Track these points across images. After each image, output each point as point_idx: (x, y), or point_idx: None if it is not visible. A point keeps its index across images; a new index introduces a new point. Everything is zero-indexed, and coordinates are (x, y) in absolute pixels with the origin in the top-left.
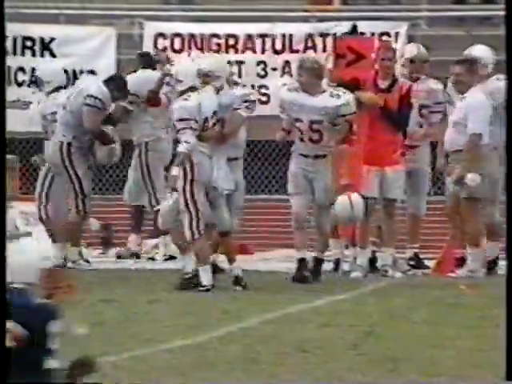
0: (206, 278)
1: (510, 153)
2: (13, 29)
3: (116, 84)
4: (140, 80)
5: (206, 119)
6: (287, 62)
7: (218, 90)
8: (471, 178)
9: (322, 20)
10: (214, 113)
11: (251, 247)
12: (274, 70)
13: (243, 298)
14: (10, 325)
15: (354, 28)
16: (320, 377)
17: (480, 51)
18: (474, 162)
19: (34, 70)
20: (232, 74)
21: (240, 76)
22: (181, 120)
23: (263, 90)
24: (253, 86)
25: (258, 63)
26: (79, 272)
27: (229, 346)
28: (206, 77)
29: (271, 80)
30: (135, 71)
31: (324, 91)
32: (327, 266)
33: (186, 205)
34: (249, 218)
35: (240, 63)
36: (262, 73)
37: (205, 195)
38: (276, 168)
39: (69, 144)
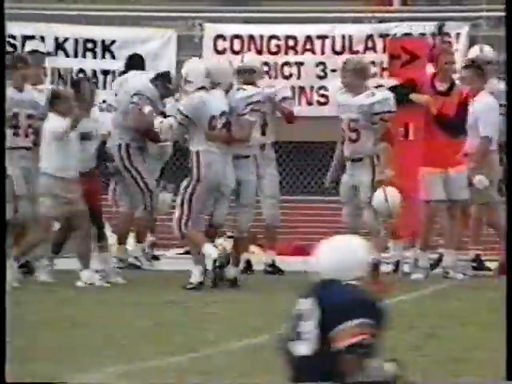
0: (196, 275)
1: (510, 153)
2: (74, 31)
3: (163, 81)
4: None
5: (214, 118)
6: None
7: (226, 92)
8: (479, 180)
9: (382, 21)
10: (223, 113)
11: (307, 248)
12: (334, 71)
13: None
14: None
15: (440, 28)
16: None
17: (489, 52)
18: (482, 165)
19: (94, 72)
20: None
21: (299, 77)
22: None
23: (322, 92)
24: (312, 87)
25: (318, 64)
26: (141, 271)
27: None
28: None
29: (330, 81)
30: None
31: (365, 90)
32: (387, 268)
33: (182, 203)
34: (308, 219)
35: (299, 64)
36: (322, 74)
37: (210, 195)
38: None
39: (127, 145)
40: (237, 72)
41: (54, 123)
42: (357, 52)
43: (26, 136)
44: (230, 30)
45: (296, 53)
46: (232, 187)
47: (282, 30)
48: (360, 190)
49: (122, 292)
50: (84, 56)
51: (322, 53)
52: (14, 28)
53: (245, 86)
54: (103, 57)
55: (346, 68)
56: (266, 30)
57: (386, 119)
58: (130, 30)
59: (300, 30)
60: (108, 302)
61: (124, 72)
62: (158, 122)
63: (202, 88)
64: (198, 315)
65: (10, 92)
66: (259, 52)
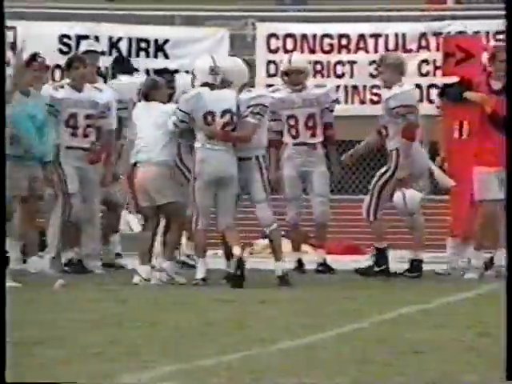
0: (200, 270)
1: (510, 153)
2: (128, 30)
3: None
4: (124, 86)
5: (209, 113)
6: None
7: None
8: None
9: (435, 19)
10: (226, 111)
11: (361, 247)
12: None
13: (357, 299)
14: None
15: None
16: (434, 378)
17: None
18: None
19: (147, 71)
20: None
21: (352, 76)
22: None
23: (375, 90)
24: (365, 86)
25: (371, 63)
26: (193, 270)
27: (341, 346)
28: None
29: None
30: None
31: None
32: (441, 267)
33: (194, 199)
34: (358, 218)
35: (352, 63)
36: (375, 73)
37: (208, 192)
38: None
39: (178, 145)
40: (284, 73)
41: (157, 112)
42: (410, 50)
43: (85, 136)
44: (282, 28)
45: (349, 51)
46: (233, 183)
47: (334, 28)
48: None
49: (172, 290)
50: (137, 55)
51: (376, 51)
52: (68, 28)
53: (253, 88)
54: (156, 56)
55: (384, 63)
56: (318, 28)
57: (403, 113)
58: (183, 30)
59: (353, 29)
60: (158, 300)
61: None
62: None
63: (206, 84)
64: (249, 314)
65: (67, 92)
66: (312, 51)
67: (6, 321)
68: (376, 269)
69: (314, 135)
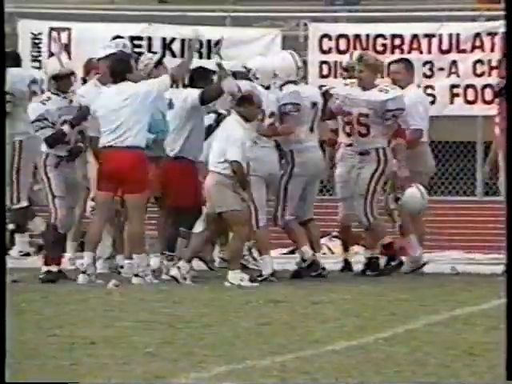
0: (267, 266)
1: (510, 153)
2: (180, 31)
3: (242, 75)
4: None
5: (263, 112)
6: (454, 62)
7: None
8: None
9: (489, 19)
10: (272, 113)
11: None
12: (441, 70)
13: (410, 300)
14: None
15: None
16: (489, 381)
17: None
18: None
19: None
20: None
21: None
22: None
23: (429, 91)
24: (418, 87)
25: (425, 63)
26: (247, 271)
27: (395, 347)
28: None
29: (437, 80)
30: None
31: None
32: (497, 269)
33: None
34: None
35: None
36: (429, 73)
37: (264, 189)
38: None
39: None
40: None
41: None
42: (464, 51)
43: None
44: (335, 29)
45: (402, 52)
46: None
47: (388, 29)
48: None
49: (224, 292)
50: None
51: (429, 52)
52: (121, 29)
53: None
54: (209, 57)
55: (364, 63)
56: (371, 29)
57: (397, 116)
58: (236, 31)
59: (406, 29)
60: (211, 301)
61: None
62: None
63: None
64: (302, 315)
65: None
66: (365, 51)
67: (5, 321)
68: (392, 264)
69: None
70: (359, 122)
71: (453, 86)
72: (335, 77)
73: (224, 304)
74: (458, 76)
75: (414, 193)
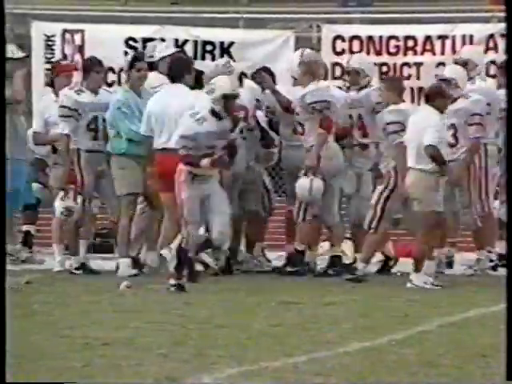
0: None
1: (510, 153)
2: (193, 33)
3: (262, 77)
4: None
5: None
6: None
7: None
8: None
9: (503, 20)
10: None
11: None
12: None
13: (423, 301)
14: None
15: None
16: (503, 383)
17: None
18: None
19: None
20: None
21: (419, 78)
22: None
23: None
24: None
25: (438, 65)
26: (257, 273)
27: (408, 349)
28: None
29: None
30: None
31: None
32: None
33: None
34: None
35: (419, 65)
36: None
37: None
38: None
39: None
40: (346, 72)
41: None
42: None
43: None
44: (348, 30)
45: (415, 53)
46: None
47: (401, 30)
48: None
49: (240, 292)
50: (203, 58)
51: (442, 53)
52: (134, 31)
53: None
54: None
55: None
56: (384, 30)
57: (319, 108)
58: (249, 32)
59: (419, 31)
60: (224, 303)
61: None
62: None
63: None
64: (315, 316)
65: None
66: (378, 53)
67: (6, 321)
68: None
69: (364, 135)
70: (299, 121)
71: None
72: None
73: (236, 305)
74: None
75: (304, 183)
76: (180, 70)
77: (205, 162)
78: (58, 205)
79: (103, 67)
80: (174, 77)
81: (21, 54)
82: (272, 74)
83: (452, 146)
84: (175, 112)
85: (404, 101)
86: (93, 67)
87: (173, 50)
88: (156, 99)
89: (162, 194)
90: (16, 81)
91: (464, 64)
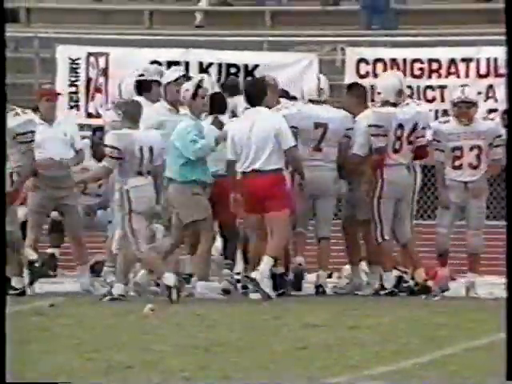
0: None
1: (510, 153)
2: (218, 56)
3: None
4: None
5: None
6: (491, 87)
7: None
8: None
9: None
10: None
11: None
12: (479, 94)
13: (449, 324)
14: None
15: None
16: (502, 383)
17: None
18: None
19: None
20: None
21: (443, 100)
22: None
23: None
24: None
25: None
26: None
27: (432, 372)
28: None
29: None
30: None
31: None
32: None
33: None
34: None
35: (443, 88)
36: None
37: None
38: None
39: None
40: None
41: None
42: (502, 75)
43: None
44: (372, 53)
45: (439, 76)
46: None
47: (425, 53)
48: None
49: (263, 314)
50: None
51: (466, 76)
52: (159, 54)
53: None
54: None
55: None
56: (409, 53)
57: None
58: (273, 55)
59: (444, 53)
60: (247, 325)
61: None
62: None
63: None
64: (340, 339)
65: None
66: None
67: (5, 321)
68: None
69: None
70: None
71: (490, 111)
72: (372, 100)
73: (260, 327)
74: (496, 100)
75: None
76: (257, 92)
77: None
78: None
79: None
80: (253, 100)
81: None
82: (290, 97)
83: (474, 167)
84: (258, 134)
85: (368, 107)
86: None
87: (179, 73)
88: (238, 124)
89: (249, 216)
90: None
91: None
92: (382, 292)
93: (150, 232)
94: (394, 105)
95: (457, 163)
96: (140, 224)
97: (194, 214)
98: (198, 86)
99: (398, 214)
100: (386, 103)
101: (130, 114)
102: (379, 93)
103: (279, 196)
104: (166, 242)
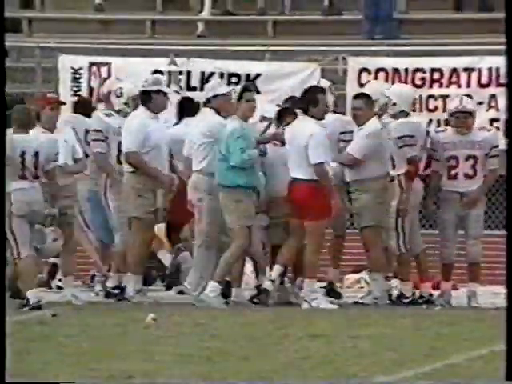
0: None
1: (510, 153)
2: (219, 65)
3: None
4: None
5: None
6: (493, 96)
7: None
8: None
9: None
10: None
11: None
12: (480, 103)
13: (450, 334)
14: None
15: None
16: (502, 383)
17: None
18: None
19: None
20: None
21: (445, 110)
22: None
23: None
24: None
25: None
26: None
27: (434, 382)
28: None
29: (477, 114)
30: None
31: None
32: None
33: None
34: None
35: (444, 97)
36: None
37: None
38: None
39: None
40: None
41: None
42: (504, 85)
43: None
44: (374, 63)
45: (441, 86)
46: None
47: (427, 62)
48: None
49: (266, 325)
50: None
51: (468, 86)
52: (160, 63)
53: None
54: None
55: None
56: (410, 62)
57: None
58: (274, 65)
59: (445, 63)
60: (249, 334)
61: None
62: None
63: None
64: (342, 349)
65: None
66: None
67: (5, 322)
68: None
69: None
70: None
71: (492, 120)
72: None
73: (262, 337)
74: (498, 110)
75: None
76: (306, 103)
77: None
78: None
79: None
80: (302, 110)
81: None
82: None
83: (470, 177)
84: (305, 142)
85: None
86: None
87: (227, 89)
88: (288, 133)
89: (295, 220)
90: None
91: None
92: (401, 301)
93: (40, 235)
94: (408, 114)
95: (452, 173)
96: (21, 228)
97: (236, 221)
98: (245, 89)
99: (413, 224)
100: (400, 113)
101: (19, 120)
102: (394, 104)
103: (313, 205)
104: (53, 246)
